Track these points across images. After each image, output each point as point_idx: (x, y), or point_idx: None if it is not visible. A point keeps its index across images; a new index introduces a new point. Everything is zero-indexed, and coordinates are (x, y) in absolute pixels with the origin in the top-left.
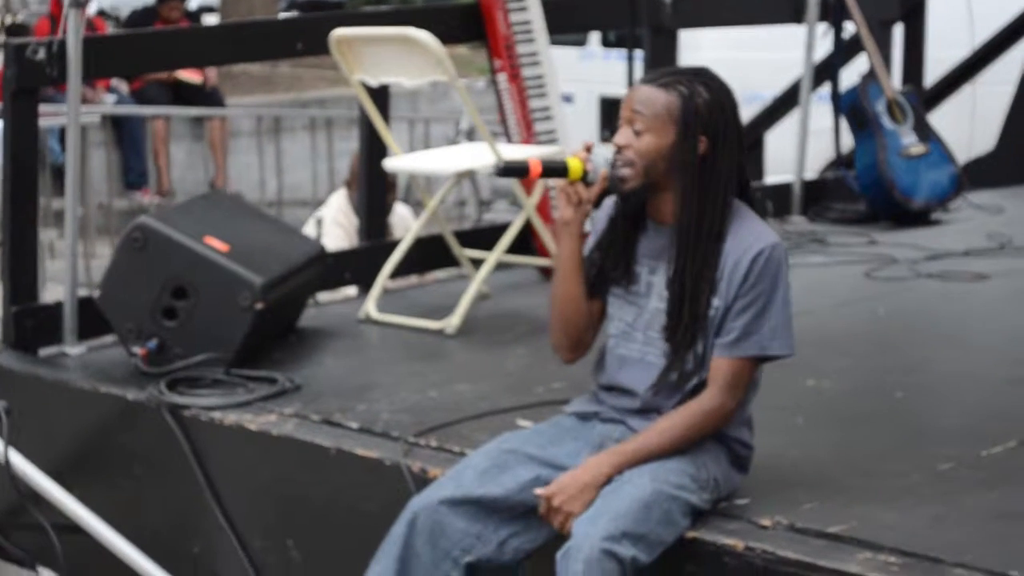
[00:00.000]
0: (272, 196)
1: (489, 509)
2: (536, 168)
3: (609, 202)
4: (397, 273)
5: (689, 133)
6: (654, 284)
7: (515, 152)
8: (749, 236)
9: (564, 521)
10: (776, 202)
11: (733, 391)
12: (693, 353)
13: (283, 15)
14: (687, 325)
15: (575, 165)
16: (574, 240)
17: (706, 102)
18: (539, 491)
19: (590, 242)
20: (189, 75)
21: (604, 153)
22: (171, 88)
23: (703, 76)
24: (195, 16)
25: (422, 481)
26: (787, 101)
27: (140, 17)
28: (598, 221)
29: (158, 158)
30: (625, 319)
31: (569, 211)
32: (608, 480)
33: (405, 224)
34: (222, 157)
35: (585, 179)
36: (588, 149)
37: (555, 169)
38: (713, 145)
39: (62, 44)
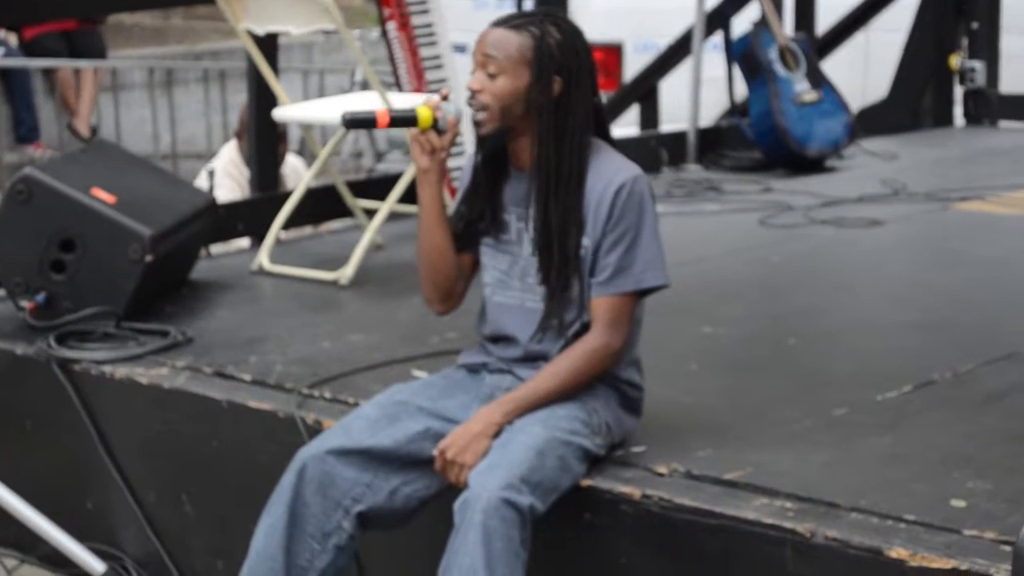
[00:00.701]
0: (166, 149)
1: (379, 459)
2: (383, 118)
3: (471, 153)
4: (290, 224)
5: (543, 74)
6: (524, 231)
7: (402, 101)
8: (609, 171)
9: (459, 473)
10: (671, 150)
11: (616, 328)
12: (570, 296)
13: None
14: (559, 267)
15: (424, 114)
16: (432, 188)
17: (558, 42)
18: (436, 449)
19: (458, 196)
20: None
21: (457, 102)
22: (64, 36)
23: (554, 17)
24: None
25: (316, 433)
26: (680, 49)
27: None
28: (463, 175)
29: (67, 105)
30: (500, 267)
31: (424, 160)
32: (500, 429)
33: (297, 175)
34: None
35: (436, 127)
36: (444, 98)
37: (404, 119)
38: (567, 85)
39: None
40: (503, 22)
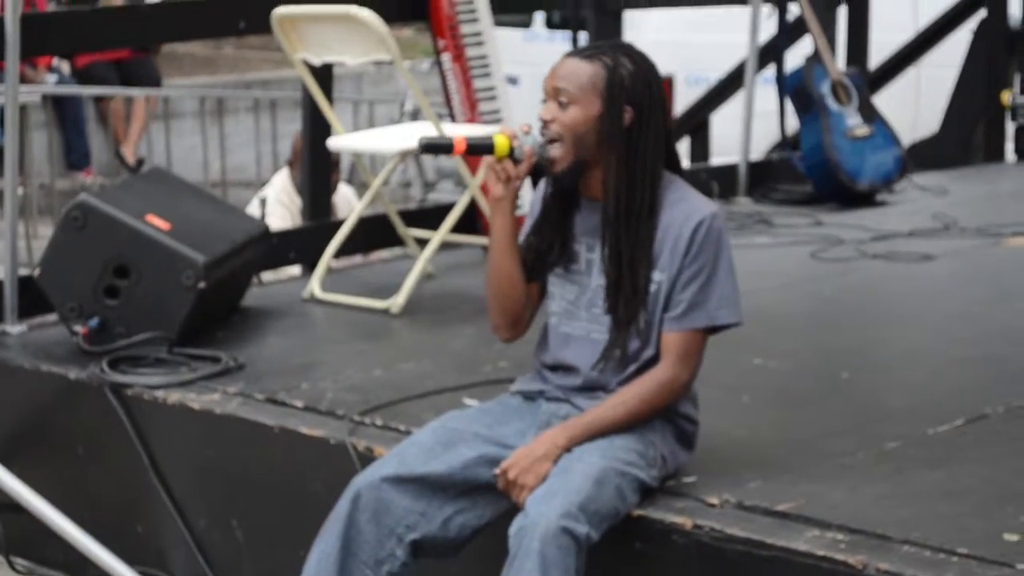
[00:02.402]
0: (216, 177)
1: (434, 487)
2: (460, 145)
3: (542, 184)
4: (341, 253)
5: (615, 103)
6: (594, 261)
7: (456, 131)
8: (687, 207)
9: (518, 494)
10: (722, 183)
11: (685, 363)
12: (636, 328)
13: None
14: (628, 299)
15: (501, 142)
16: (506, 217)
17: (630, 73)
18: (499, 468)
19: (527, 226)
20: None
21: (535, 135)
22: (116, 64)
23: (626, 48)
24: None
25: (367, 460)
26: (732, 83)
27: None
28: (533, 205)
29: (117, 134)
30: (567, 297)
31: (499, 188)
32: (562, 453)
33: (348, 204)
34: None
35: (512, 156)
36: (526, 132)
37: (480, 146)
38: (639, 115)
39: (0, 21)
40: (576, 53)
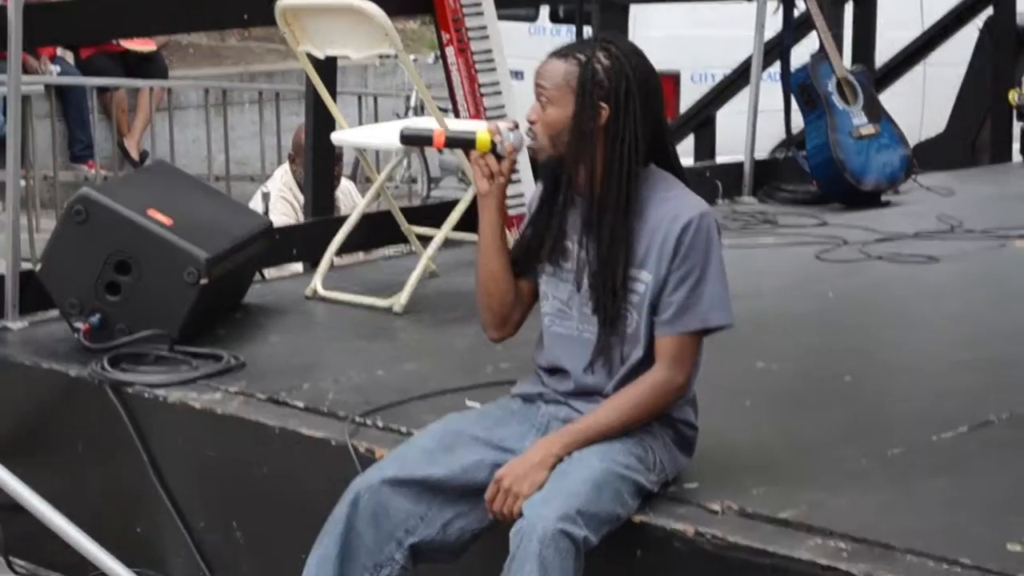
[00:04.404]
0: (220, 170)
1: (434, 490)
2: (440, 138)
3: (530, 182)
4: (344, 249)
5: (588, 101)
6: (584, 259)
7: (460, 125)
8: (675, 207)
9: (513, 503)
10: (726, 182)
11: (680, 366)
12: (625, 330)
13: None
14: (609, 298)
15: (482, 137)
16: (492, 213)
17: (605, 68)
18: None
19: (524, 223)
20: (140, 44)
21: (521, 132)
22: (120, 57)
23: (606, 43)
24: None
25: (368, 461)
26: (738, 80)
27: None
28: (531, 200)
29: (120, 126)
30: (560, 297)
31: (484, 184)
32: (558, 461)
33: (350, 199)
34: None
35: (494, 151)
36: (512, 128)
37: (460, 140)
38: (615, 112)
39: (2, 10)
40: (556, 52)
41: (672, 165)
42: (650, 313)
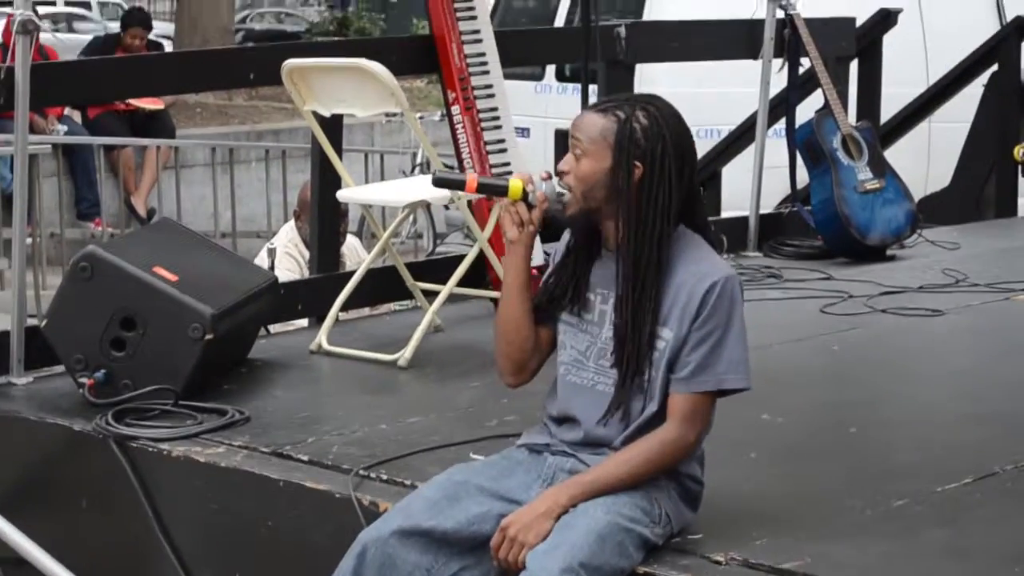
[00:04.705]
0: (226, 227)
1: (439, 542)
2: (472, 183)
3: (568, 231)
4: (349, 305)
5: (624, 158)
6: (606, 313)
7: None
8: (702, 268)
9: (518, 552)
10: (732, 236)
11: (692, 424)
12: (640, 384)
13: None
14: (632, 353)
15: (515, 185)
16: (519, 260)
17: (643, 127)
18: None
19: (548, 271)
20: (147, 103)
21: (554, 184)
22: (128, 116)
23: (646, 101)
24: (157, 45)
25: (372, 514)
26: (743, 136)
27: (102, 44)
28: (556, 250)
29: (128, 185)
30: (578, 348)
31: (513, 231)
32: (564, 511)
33: (356, 256)
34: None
35: (526, 200)
36: (545, 179)
37: (493, 186)
38: (650, 171)
39: (10, 71)
40: (595, 105)
41: (701, 228)
42: (667, 370)
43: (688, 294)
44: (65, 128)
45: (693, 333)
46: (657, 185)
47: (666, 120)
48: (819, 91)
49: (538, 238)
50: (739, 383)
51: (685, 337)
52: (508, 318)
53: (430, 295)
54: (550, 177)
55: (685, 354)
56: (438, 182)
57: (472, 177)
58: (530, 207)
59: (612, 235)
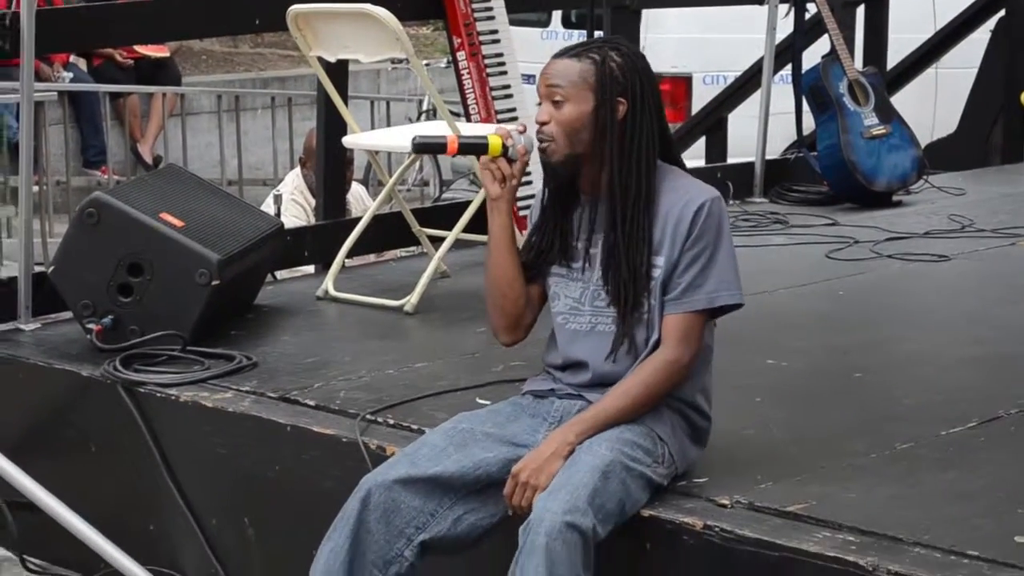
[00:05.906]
0: (232, 175)
1: (444, 487)
2: (453, 144)
3: (540, 185)
4: (356, 251)
5: (607, 97)
6: (595, 256)
7: (472, 130)
8: (686, 193)
9: (531, 497)
10: (738, 183)
11: (686, 343)
12: (640, 316)
13: None
14: (627, 285)
15: (495, 142)
16: (503, 216)
17: (619, 65)
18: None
19: (529, 228)
20: (153, 50)
21: (531, 135)
22: (133, 63)
23: (613, 43)
24: None
25: (379, 458)
26: (749, 82)
27: None
28: (533, 207)
29: (133, 131)
30: (571, 295)
31: (495, 188)
32: (572, 450)
33: (361, 203)
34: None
35: (506, 155)
36: (522, 131)
37: (473, 145)
38: (632, 107)
39: (15, 17)
40: (564, 52)
41: (675, 159)
42: (661, 295)
43: (677, 218)
44: (71, 75)
45: (684, 254)
46: (641, 118)
47: (637, 56)
48: (825, 36)
49: None
50: (731, 299)
51: (676, 260)
52: (500, 276)
53: (436, 241)
54: (525, 129)
55: (677, 275)
56: (418, 148)
57: (452, 138)
58: (511, 161)
59: (595, 178)
